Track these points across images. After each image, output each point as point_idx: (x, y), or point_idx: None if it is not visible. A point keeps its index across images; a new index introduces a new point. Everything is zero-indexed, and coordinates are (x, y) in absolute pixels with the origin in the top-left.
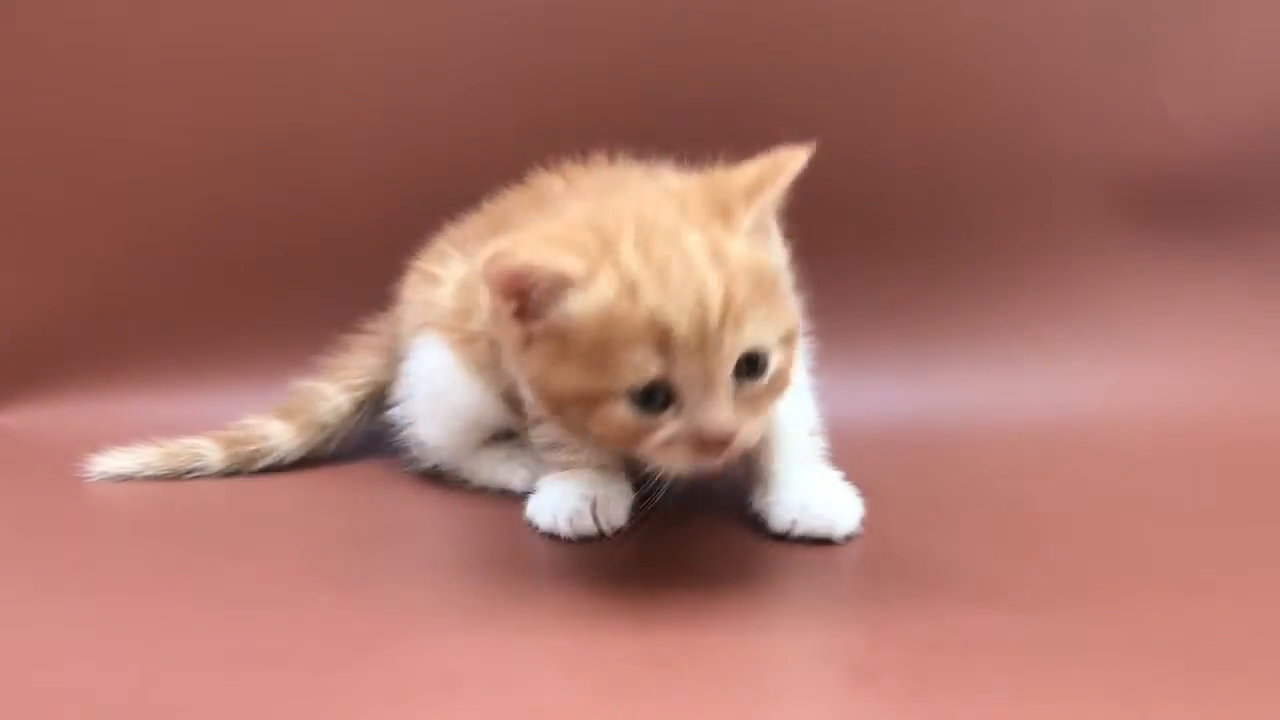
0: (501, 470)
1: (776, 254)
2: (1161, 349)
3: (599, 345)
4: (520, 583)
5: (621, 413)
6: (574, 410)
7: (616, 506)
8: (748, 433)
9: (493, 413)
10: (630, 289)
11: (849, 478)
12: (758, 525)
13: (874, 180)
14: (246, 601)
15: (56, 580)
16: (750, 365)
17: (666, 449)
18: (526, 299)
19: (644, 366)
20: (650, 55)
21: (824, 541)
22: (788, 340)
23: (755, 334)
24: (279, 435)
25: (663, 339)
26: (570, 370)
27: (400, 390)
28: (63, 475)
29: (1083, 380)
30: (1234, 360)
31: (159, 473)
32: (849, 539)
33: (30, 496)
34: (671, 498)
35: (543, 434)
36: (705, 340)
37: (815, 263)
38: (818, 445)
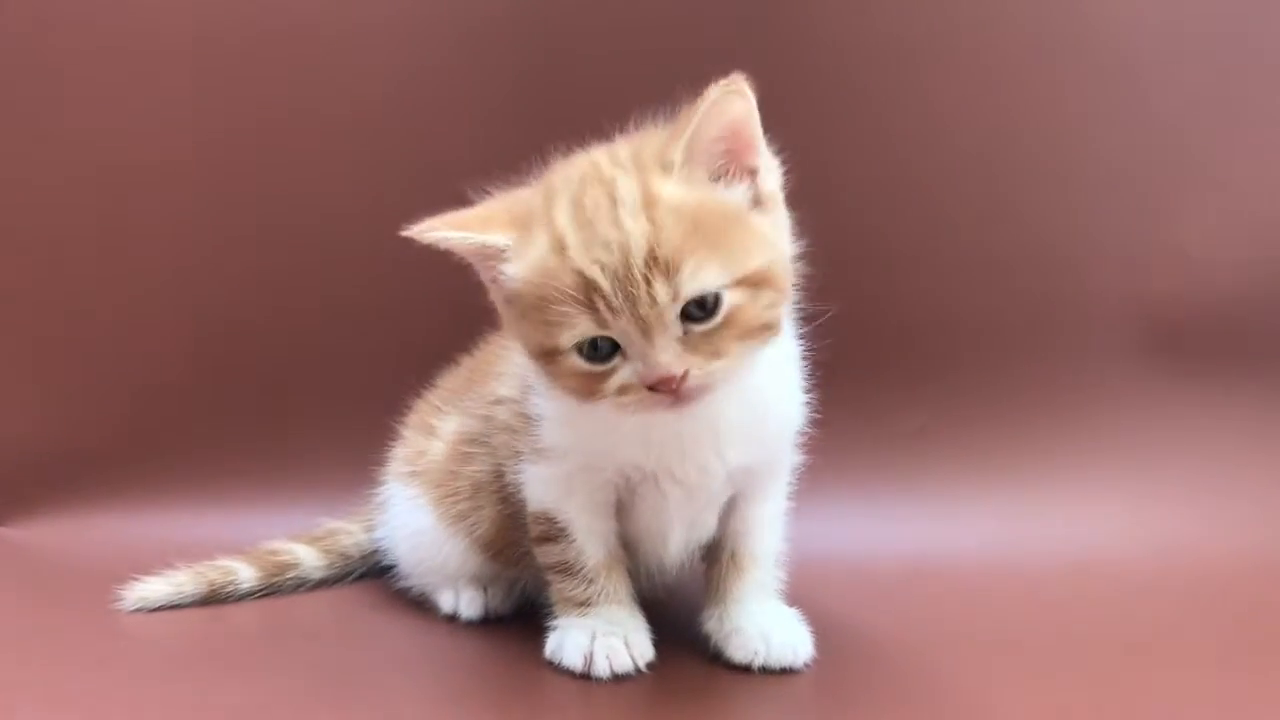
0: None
1: (769, 182)
2: (1185, 482)
3: (539, 304)
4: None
5: (573, 365)
6: (548, 368)
7: (644, 640)
8: (707, 373)
9: (471, 565)
10: (559, 246)
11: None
12: (706, 647)
13: (895, 306)
14: None
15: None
16: (699, 306)
17: (623, 397)
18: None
19: (578, 321)
20: None
21: (785, 671)
22: (754, 280)
23: (695, 278)
24: (306, 560)
25: (590, 292)
26: (529, 329)
27: (382, 524)
28: (93, 600)
29: (1104, 515)
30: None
31: (193, 596)
32: (807, 666)
33: (64, 626)
34: None
35: (546, 554)
36: (632, 291)
37: (837, 389)
38: (778, 577)
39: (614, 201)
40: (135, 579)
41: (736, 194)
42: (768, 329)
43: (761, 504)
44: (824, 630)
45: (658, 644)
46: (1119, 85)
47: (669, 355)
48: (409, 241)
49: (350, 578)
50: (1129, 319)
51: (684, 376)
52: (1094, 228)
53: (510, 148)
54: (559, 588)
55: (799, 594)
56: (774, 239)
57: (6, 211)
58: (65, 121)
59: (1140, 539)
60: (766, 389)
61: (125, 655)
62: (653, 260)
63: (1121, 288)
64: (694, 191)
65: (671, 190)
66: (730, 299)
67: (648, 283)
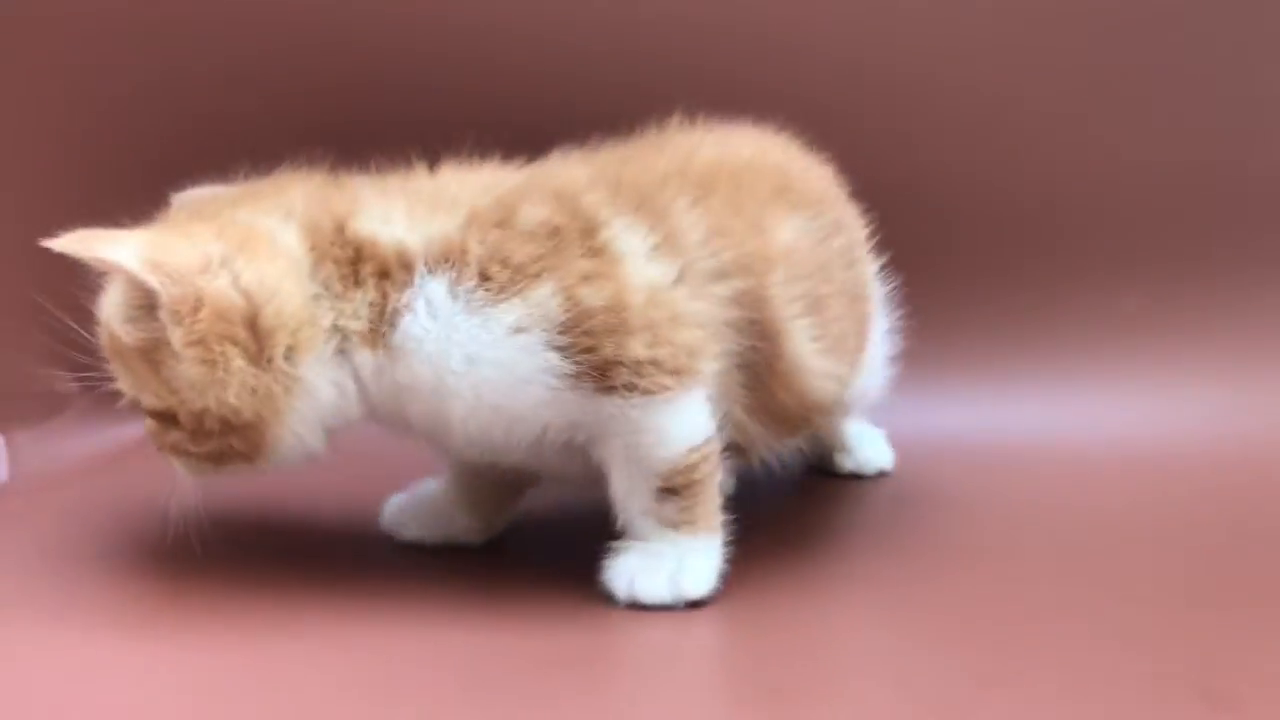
0: None
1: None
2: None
3: None
4: None
5: None
6: None
7: None
8: (173, 464)
9: None
10: None
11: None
12: None
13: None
14: None
15: None
16: None
17: None
18: None
19: None
20: None
21: None
22: (162, 416)
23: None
24: None
25: None
26: None
27: None
28: None
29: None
30: None
31: None
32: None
33: None
34: None
35: None
36: None
37: None
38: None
39: None
40: None
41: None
42: (200, 458)
43: None
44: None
45: None
46: None
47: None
48: None
49: None
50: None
51: None
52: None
53: None
54: None
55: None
56: (180, 389)
57: None
58: None
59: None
60: None
61: None
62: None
63: None
64: (109, 310)
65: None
66: (145, 421)
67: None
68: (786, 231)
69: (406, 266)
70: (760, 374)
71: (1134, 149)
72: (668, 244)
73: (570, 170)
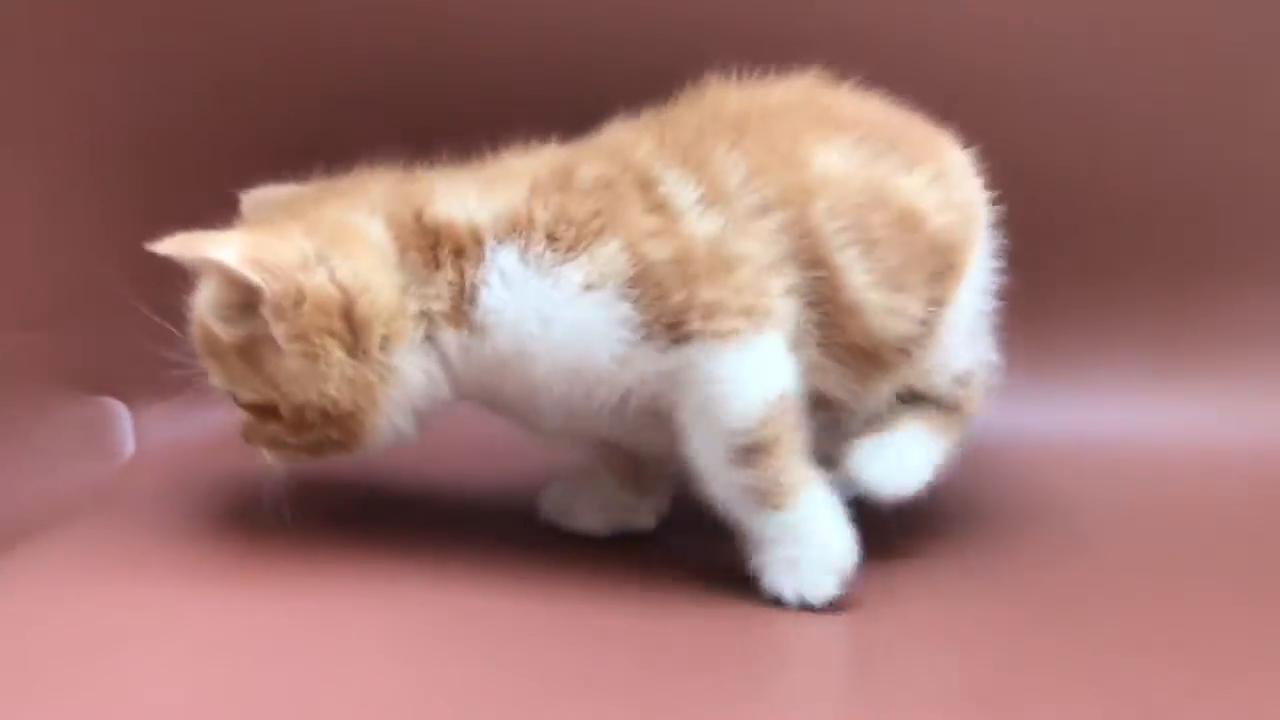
0: None
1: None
2: None
3: None
4: None
5: None
6: None
7: None
8: (265, 455)
9: None
10: None
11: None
12: None
13: None
14: None
15: None
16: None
17: None
18: None
19: None
20: None
21: None
22: (255, 409)
23: (211, 373)
24: None
25: None
26: None
27: None
28: None
29: None
30: None
31: None
32: None
33: None
34: None
35: None
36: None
37: None
38: None
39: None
40: None
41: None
42: (296, 449)
43: None
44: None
45: None
46: None
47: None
48: None
49: None
50: None
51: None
52: None
53: None
54: None
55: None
56: (281, 384)
57: None
58: None
59: None
60: None
61: None
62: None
63: None
64: (205, 310)
65: (203, 292)
66: (242, 415)
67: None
68: (826, 158)
69: (479, 242)
70: (828, 309)
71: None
72: (713, 192)
73: (620, 133)
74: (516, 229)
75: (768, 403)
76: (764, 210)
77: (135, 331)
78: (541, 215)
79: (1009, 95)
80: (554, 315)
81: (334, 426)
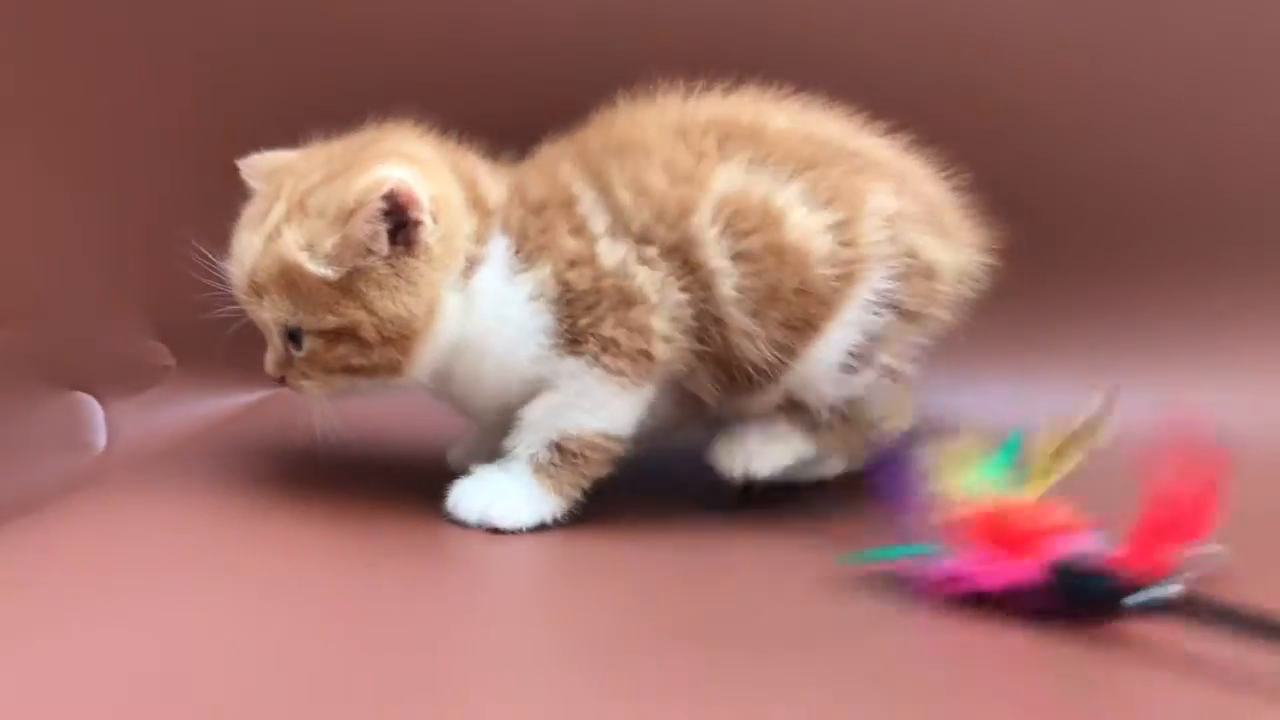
0: None
1: (369, 259)
2: None
3: None
4: None
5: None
6: None
7: None
8: (299, 387)
9: None
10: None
11: None
12: None
13: None
14: None
15: None
16: (292, 336)
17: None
18: None
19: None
20: None
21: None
22: (331, 334)
23: (274, 312)
24: None
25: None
26: None
27: None
28: None
29: None
30: None
31: None
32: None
33: None
34: None
35: None
36: (245, 298)
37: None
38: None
39: (262, 216)
40: None
41: (323, 259)
42: (355, 371)
43: None
44: None
45: None
46: None
47: (269, 361)
48: None
49: None
50: None
51: (283, 380)
52: None
53: None
54: None
55: None
56: (374, 301)
57: None
58: None
59: None
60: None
61: None
62: (254, 281)
63: None
64: (296, 252)
65: (289, 238)
66: (309, 343)
67: (257, 295)
68: (729, 176)
69: (490, 215)
70: (704, 318)
71: None
72: (617, 218)
73: (548, 152)
74: (507, 226)
75: (604, 435)
76: (647, 236)
77: (106, 329)
78: (514, 224)
79: (1006, 95)
80: (509, 316)
81: (394, 347)
